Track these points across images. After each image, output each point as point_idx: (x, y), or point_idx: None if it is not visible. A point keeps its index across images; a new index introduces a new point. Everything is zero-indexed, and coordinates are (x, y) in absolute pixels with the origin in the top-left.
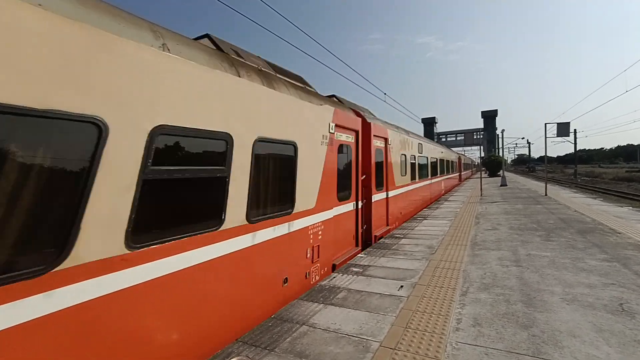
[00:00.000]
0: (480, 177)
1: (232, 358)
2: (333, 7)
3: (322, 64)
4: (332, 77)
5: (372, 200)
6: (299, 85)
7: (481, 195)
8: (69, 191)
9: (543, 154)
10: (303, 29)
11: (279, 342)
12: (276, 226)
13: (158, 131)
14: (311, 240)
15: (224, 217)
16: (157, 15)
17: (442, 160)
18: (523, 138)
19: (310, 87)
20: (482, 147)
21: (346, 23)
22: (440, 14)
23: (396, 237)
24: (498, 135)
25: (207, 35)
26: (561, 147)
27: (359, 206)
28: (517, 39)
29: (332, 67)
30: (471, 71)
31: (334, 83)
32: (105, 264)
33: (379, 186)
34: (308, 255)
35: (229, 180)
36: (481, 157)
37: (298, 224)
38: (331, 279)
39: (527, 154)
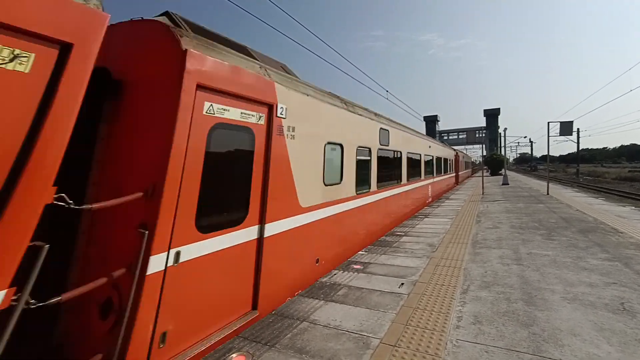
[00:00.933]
0: (482, 176)
1: (233, 354)
2: (334, 5)
3: (325, 60)
4: (334, 74)
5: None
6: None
7: (483, 193)
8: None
9: (545, 153)
10: (305, 25)
11: (279, 338)
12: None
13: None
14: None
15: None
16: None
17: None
18: (525, 137)
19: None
20: (484, 146)
21: (348, 20)
22: (443, 11)
23: (397, 235)
24: (500, 133)
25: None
26: (564, 146)
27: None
28: (520, 36)
29: (334, 64)
30: (473, 69)
31: (336, 80)
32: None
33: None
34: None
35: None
36: (483, 156)
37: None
38: (332, 276)
39: (529, 152)
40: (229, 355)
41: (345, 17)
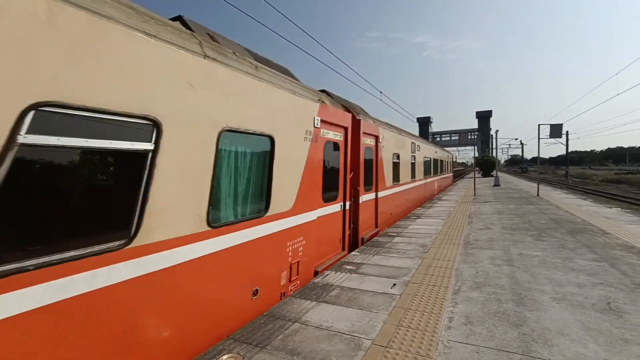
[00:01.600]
0: (474, 177)
1: (223, 355)
2: (329, 3)
3: (319, 61)
4: (329, 74)
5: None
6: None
7: (474, 195)
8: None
9: (536, 155)
10: (295, 22)
11: (270, 340)
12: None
13: None
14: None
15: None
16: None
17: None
18: (516, 139)
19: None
20: (476, 147)
21: (342, 20)
22: (438, 13)
23: (390, 236)
24: (492, 135)
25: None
26: (553, 149)
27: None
28: (512, 40)
29: (328, 65)
30: (467, 71)
31: (332, 81)
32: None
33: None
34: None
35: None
36: (475, 157)
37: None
38: (324, 277)
39: (520, 154)
40: (220, 357)
41: (340, 16)
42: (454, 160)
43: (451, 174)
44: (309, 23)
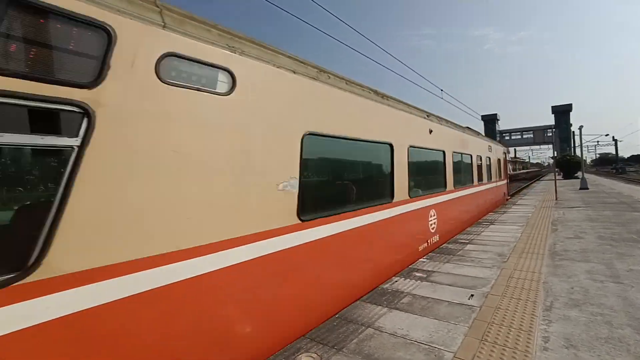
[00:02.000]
0: (555, 179)
1: (301, 354)
2: (379, 3)
3: (377, 62)
4: (387, 75)
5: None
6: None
7: (556, 199)
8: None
9: (634, 153)
10: (348, 24)
11: (345, 343)
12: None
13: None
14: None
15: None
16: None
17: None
18: (607, 135)
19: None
20: (554, 146)
21: (395, 19)
22: (498, 3)
23: (460, 242)
24: (573, 132)
25: None
26: None
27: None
28: (593, 22)
29: (383, 64)
30: (537, 63)
31: (385, 80)
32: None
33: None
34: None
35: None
36: (554, 157)
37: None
38: (393, 283)
39: (614, 152)
40: (298, 355)
41: (393, 15)
42: (526, 160)
43: (505, 182)
44: (360, 22)
